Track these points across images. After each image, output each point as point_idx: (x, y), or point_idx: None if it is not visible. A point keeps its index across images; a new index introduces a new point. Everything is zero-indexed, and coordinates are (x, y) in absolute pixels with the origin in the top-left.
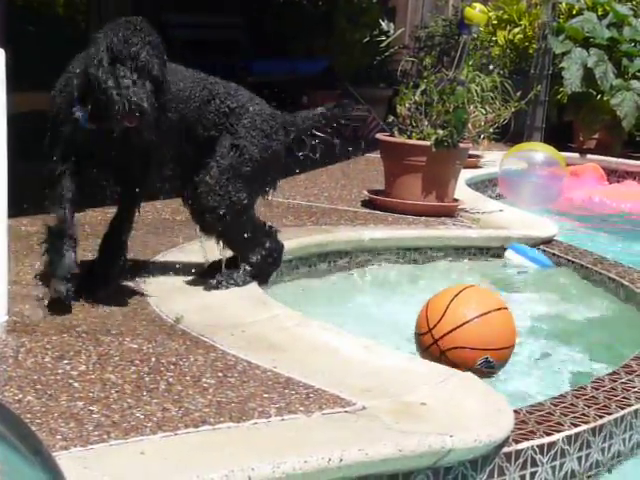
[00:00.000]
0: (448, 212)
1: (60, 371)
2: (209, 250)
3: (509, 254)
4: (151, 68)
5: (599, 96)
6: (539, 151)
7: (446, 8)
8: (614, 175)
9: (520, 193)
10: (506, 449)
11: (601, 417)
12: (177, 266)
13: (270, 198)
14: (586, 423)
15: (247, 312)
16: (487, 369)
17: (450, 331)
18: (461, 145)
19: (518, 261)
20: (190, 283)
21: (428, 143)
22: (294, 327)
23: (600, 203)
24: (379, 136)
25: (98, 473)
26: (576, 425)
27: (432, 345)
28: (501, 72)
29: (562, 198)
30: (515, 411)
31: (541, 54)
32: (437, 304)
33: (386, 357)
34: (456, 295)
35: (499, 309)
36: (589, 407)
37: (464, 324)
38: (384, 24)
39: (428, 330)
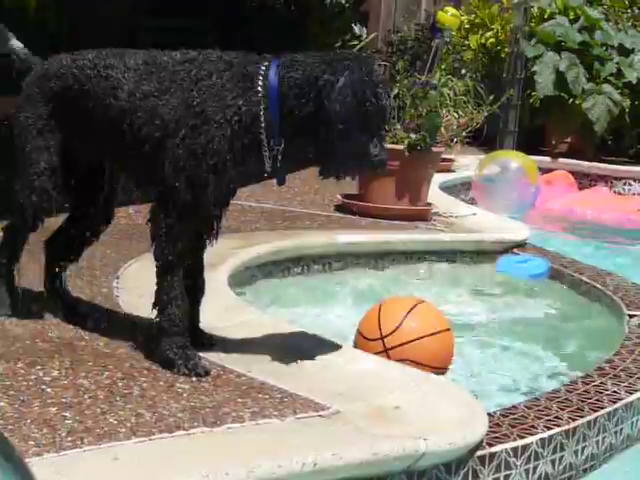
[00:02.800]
0: (421, 216)
1: (33, 377)
2: None
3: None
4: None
5: (571, 100)
6: (513, 159)
7: (419, 12)
8: (586, 179)
9: (493, 200)
10: (480, 452)
11: (574, 420)
12: (148, 272)
13: (243, 203)
14: (559, 426)
15: (219, 317)
16: None
17: (403, 343)
18: (434, 149)
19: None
20: None
21: (401, 147)
22: (267, 331)
23: (581, 214)
24: None
25: (71, 479)
26: (549, 428)
27: (381, 353)
28: (473, 76)
29: (541, 208)
30: (489, 414)
31: (513, 58)
32: (392, 314)
33: (360, 361)
34: (412, 309)
35: (447, 330)
36: (562, 410)
37: (417, 339)
38: (356, 28)
39: (380, 337)
